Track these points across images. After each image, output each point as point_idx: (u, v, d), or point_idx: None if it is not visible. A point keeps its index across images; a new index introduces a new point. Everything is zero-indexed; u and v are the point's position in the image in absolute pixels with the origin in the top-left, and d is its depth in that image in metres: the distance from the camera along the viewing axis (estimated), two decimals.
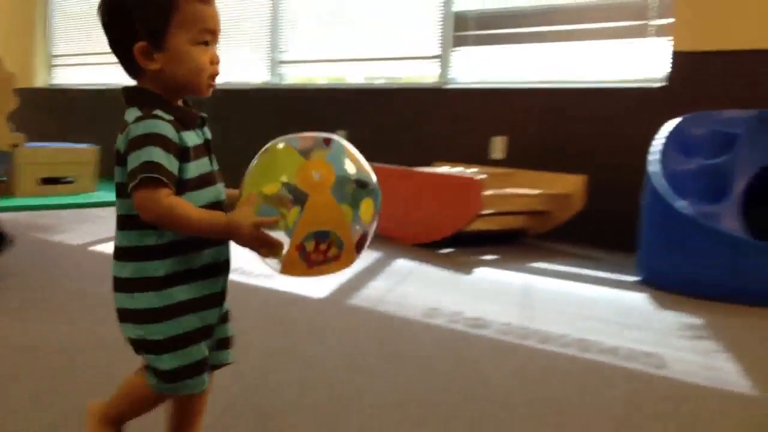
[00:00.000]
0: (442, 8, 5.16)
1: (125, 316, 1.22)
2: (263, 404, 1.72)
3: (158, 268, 1.19)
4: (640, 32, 4.34)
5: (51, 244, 3.73)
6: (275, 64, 6.13)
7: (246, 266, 3.17)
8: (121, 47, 1.20)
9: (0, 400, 1.67)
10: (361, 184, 1.20)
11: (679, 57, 4.09)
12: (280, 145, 1.21)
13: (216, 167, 1.27)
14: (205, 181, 1.22)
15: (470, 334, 2.39)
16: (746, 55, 3.89)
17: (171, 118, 1.18)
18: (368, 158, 1.27)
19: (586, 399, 1.86)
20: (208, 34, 1.21)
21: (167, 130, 1.16)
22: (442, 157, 4.91)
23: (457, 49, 5.14)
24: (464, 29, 5.10)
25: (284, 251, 1.16)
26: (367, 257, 3.61)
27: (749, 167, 3.18)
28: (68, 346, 2.08)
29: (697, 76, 4.03)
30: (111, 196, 5.48)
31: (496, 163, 4.72)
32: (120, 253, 1.22)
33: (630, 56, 4.40)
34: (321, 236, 1.16)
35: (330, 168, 1.17)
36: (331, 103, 5.59)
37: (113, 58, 1.23)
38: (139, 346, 1.22)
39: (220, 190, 1.26)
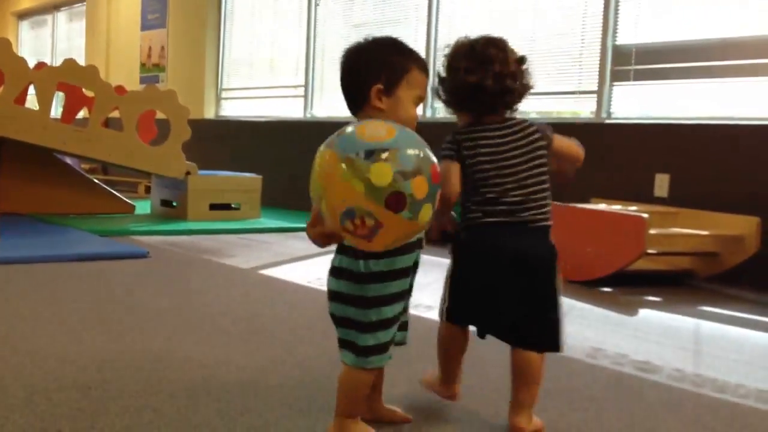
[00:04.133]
0: (600, 42, 5.06)
1: (340, 298, 1.56)
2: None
3: (359, 265, 1.52)
4: None
5: (222, 266, 3.94)
6: (429, 100, 6.22)
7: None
8: (360, 85, 1.59)
9: (191, 414, 1.77)
10: (367, 153, 1.30)
11: None
12: (317, 153, 1.39)
13: None
14: None
15: (639, 378, 2.30)
16: None
17: None
18: None
19: None
20: (419, 98, 1.63)
21: None
22: (599, 194, 4.79)
23: (617, 83, 5.03)
24: (625, 63, 4.98)
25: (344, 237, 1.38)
26: None
27: None
28: (248, 364, 2.18)
29: None
30: (273, 223, 5.78)
31: (658, 201, 4.55)
32: (341, 249, 1.57)
33: None
34: (349, 215, 1.32)
35: (335, 155, 1.32)
36: None
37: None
38: (345, 323, 1.56)
39: None
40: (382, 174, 1.29)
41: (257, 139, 7.72)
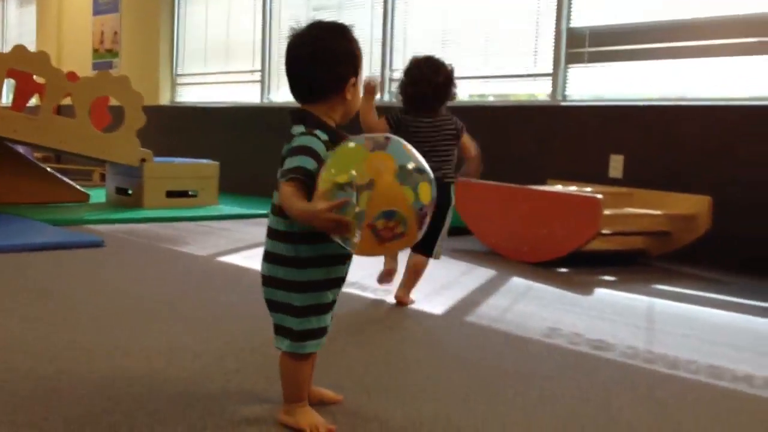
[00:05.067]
0: (555, 25, 5.10)
1: (275, 283, 1.57)
2: (378, 415, 1.74)
3: (302, 250, 1.53)
4: (765, 48, 4.17)
5: (179, 254, 3.91)
6: (387, 81, 6.22)
7: (363, 281, 3.22)
8: (335, 78, 1.59)
9: (146, 401, 1.76)
10: (418, 170, 1.45)
11: None
12: (350, 144, 1.48)
13: None
14: None
15: (593, 356, 2.34)
16: None
17: (326, 138, 1.54)
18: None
19: (720, 428, 1.79)
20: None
21: (319, 146, 1.52)
22: (554, 176, 4.85)
23: (571, 66, 5.08)
24: (579, 46, 5.03)
25: (358, 231, 1.40)
26: (483, 275, 3.60)
27: None
28: (205, 350, 2.17)
29: None
30: (231, 209, 5.73)
31: (613, 182, 4.62)
32: (275, 234, 1.57)
33: (755, 73, 4.23)
34: (389, 215, 1.39)
35: (391, 158, 1.43)
36: None
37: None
38: (281, 308, 1.57)
39: None
40: (426, 192, 1.44)
41: (214, 125, 7.64)
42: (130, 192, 5.81)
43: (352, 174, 1.40)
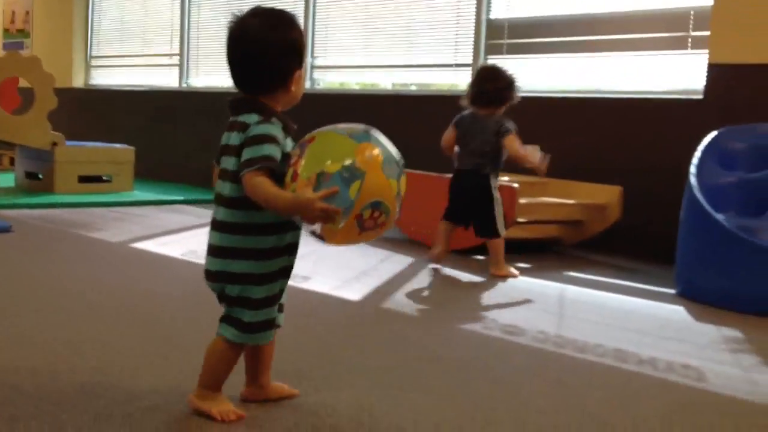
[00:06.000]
0: (475, 16, 5.16)
1: (228, 278, 1.53)
2: (292, 401, 1.74)
3: (266, 242, 1.52)
4: (678, 44, 4.32)
5: (91, 240, 3.80)
6: (309, 69, 6.18)
7: None
8: (283, 72, 1.56)
9: (51, 391, 1.70)
10: (398, 163, 1.51)
11: (715, 69, 4.06)
12: (331, 134, 1.49)
13: None
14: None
15: (506, 341, 2.39)
16: None
17: (281, 125, 1.54)
18: None
19: (624, 410, 1.86)
20: None
21: (280, 134, 1.52)
22: None
23: (491, 57, 5.14)
24: (498, 37, 5.10)
25: (343, 221, 1.41)
26: (401, 262, 3.62)
27: None
28: (115, 339, 2.11)
29: (734, 89, 3.99)
30: (147, 195, 5.60)
31: (529, 172, 4.71)
32: (230, 227, 1.52)
33: (668, 68, 4.38)
34: (375, 206, 1.44)
35: (377, 149, 1.46)
36: (364, 109, 5.61)
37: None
38: (236, 302, 1.55)
39: None
40: (404, 184, 1.51)
41: (130, 110, 7.43)
42: (40, 176, 5.60)
43: (344, 164, 1.42)
